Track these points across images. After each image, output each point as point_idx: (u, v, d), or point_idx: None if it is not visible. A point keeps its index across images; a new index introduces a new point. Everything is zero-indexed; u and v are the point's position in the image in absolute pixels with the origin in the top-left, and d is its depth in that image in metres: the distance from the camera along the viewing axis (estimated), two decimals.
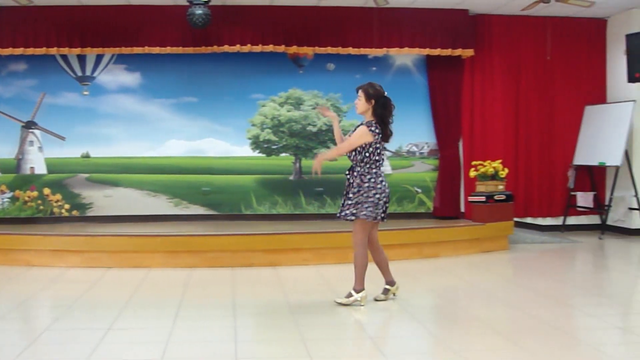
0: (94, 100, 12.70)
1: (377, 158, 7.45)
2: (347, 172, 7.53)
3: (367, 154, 7.43)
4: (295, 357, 5.79)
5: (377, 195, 7.40)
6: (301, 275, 9.36)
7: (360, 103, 7.54)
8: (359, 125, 7.52)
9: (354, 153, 7.45)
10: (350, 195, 7.43)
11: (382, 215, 7.50)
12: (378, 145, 7.44)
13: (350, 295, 7.53)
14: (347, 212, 7.44)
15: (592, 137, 13.01)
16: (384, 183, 7.47)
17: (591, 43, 13.42)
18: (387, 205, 7.52)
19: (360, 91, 7.55)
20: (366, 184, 7.40)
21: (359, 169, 7.44)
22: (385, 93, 7.55)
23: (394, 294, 7.83)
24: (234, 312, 7.34)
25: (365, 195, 7.39)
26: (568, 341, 6.30)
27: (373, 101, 7.50)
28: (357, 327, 6.81)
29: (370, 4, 11.40)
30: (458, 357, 5.72)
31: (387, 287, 7.82)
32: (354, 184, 7.42)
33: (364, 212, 7.37)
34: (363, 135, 7.40)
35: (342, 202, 7.51)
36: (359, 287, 7.54)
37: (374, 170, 7.45)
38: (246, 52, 12.15)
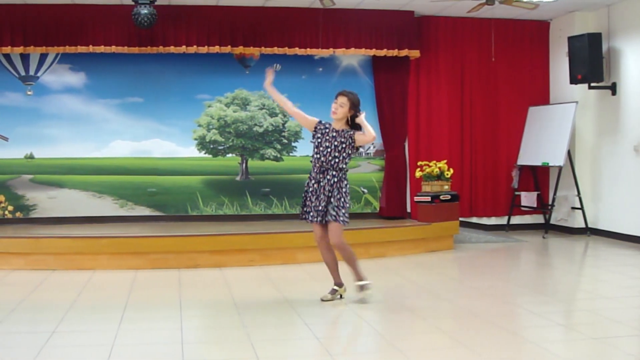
0: (37, 100, 12.53)
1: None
2: (315, 175, 7.58)
3: (349, 160, 7.64)
4: (242, 358, 5.79)
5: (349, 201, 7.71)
6: (247, 276, 9.35)
7: (344, 110, 7.58)
8: (349, 135, 7.59)
9: (344, 156, 7.56)
10: (332, 200, 7.52)
11: None
12: None
13: (361, 288, 7.69)
14: (341, 215, 7.57)
15: (535, 137, 13.18)
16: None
17: (534, 45, 13.60)
18: None
19: (345, 99, 7.57)
20: (344, 190, 7.59)
21: (335, 172, 7.54)
22: None
23: (341, 295, 7.86)
24: (180, 313, 7.31)
25: (345, 200, 7.59)
26: (512, 339, 6.38)
27: (352, 112, 7.58)
28: (304, 328, 6.82)
29: (317, 4, 11.42)
30: (404, 356, 5.76)
31: (336, 287, 7.85)
32: (335, 188, 7.51)
33: (346, 219, 7.64)
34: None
35: (319, 205, 7.54)
36: (359, 277, 7.72)
37: (347, 177, 7.69)
38: (192, 53, 12.10)
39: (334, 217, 7.52)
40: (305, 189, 7.69)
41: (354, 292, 7.81)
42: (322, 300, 7.77)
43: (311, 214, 7.61)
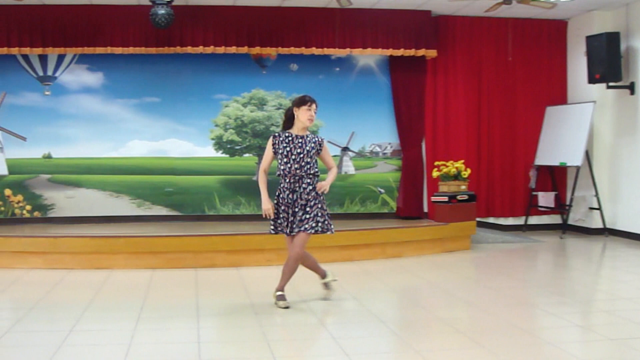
0: (55, 101, 12.60)
1: None
2: (289, 185, 7.43)
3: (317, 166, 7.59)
4: (259, 358, 5.79)
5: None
6: (264, 276, 9.34)
7: (314, 116, 7.58)
8: (317, 141, 7.56)
9: (315, 161, 7.49)
10: (307, 209, 7.39)
11: None
12: None
13: (279, 298, 7.55)
14: (327, 224, 7.49)
15: (553, 137, 13.13)
16: None
17: (552, 44, 13.55)
18: None
19: (315, 106, 7.51)
20: (321, 197, 7.49)
21: (309, 180, 7.43)
22: None
23: (333, 280, 7.86)
24: (197, 313, 7.33)
25: (324, 208, 7.51)
26: (529, 340, 6.36)
27: None
28: (321, 327, 6.83)
29: (334, 4, 11.42)
30: (420, 357, 5.75)
31: (325, 281, 7.83)
32: (312, 195, 7.41)
33: (332, 226, 7.56)
34: None
35: (305, 214, 7.39)
36: (281, 287, 7.58)
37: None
38: (209, 53, 12.12)
39: (303, 228, 7.38)
40: (277, 201, 7.52)
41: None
42: (326, 299, 7.77)
43: (286, 226, 7.47)
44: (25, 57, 12.33)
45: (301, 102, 7.48)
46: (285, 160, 7.44)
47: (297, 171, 7.41)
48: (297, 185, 7.43)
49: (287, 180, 7.44)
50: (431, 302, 8.02)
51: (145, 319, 7.08)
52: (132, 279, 9.19)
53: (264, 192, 7.53)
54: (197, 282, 9.02)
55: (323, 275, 7.86)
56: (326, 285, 7.87)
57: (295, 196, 7.42)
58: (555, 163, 12.99)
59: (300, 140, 7.48)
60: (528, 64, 13.41)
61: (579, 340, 6.47)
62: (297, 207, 7.41)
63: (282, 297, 7.51)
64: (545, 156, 13.25)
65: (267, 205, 7.46)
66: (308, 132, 7.58)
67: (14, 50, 11.73)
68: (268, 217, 7.51)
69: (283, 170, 7.45)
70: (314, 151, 7.49)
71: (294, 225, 7.41)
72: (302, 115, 7.47)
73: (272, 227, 7.59)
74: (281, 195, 7.48)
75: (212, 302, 8.00)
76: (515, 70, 13.34)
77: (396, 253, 10.85)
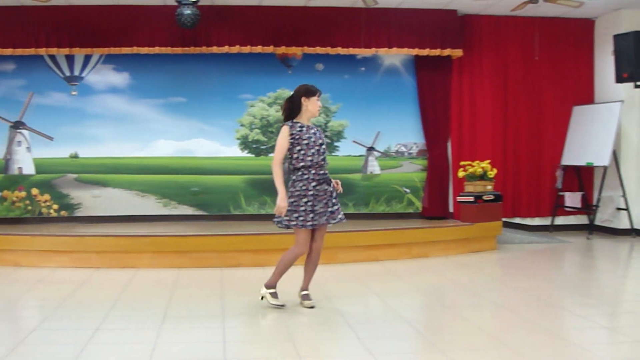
0: (82, 100, 12.68)
1: None
2: (315, 176, 7.22)
3: None
4: (284, 357, 5.80)
5: None
6: (289, 275, 9.29)
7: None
8: (318, 131, 7.44)
9: (325, 156, 7.37)
10: (333, 200, 7.34)
11: None
12: None
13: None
14: (341, 214, 7.44)
15: (580, 137, 13.05)
16: None
17: (579, 43, 13.46)
18: None
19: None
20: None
21: (326, 170, 7.36)
22: None
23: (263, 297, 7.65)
24: (222, 312, 7.34)
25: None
26: (555, 341, 6.32)
27: None
28: (346, 327, 6.81)
29: (359, 4, 11.42)
30: (445, 357, 5.73)
31: (266, 291, 7.63)
32: (332, 187, 7.35)
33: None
34: None
35: (334, 206, 7.32)
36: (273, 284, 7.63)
37: None
38: (235, 53, 12.15)
39: (337, 219, 7.34)
40: (299, 193, 7.20)
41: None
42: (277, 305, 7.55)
43: (313, 218, 7.22)
44: (52, 57, 12.44)
45: (311, 92, 7.32)
46: (312, 151, 7.20)
47: (322, 162, 7.28)
48: (323, 176, 7.26)
49: (313, 172, 7.21)
50: (457, 303, 7.99)
51: (171, 318, 7.10)
52: (157, 278, 9.22)
53: (281, 188, 7.14)
54: (223, 281, 9.04)
55: (272, 285, 7.65)
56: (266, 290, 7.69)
57: (323, 186, 7.25)
58: (582, 163, 12.90)
59: (314, 131, 7.32)
60: (555, 63, 13.32)
61: (606, 341, 6.42)
62: (326, 198, 7.27)
63: (307, 297, 7.51)
64: (572, 156, 13.17)
65: (284, 203, 7.15)
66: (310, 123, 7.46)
67: (42, 51, 11.84)
68: (279, 216, 7.25)
69: (310, 161, 7.19)
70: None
71: (325, 217, 7.29)
72: (312, 106, 7.31)
73: (293, 222, 7.23)
74: (305, 187, 7.20)
75: (237, 301, 8.00)
76: (541, 70, 13.26)
77: (422, 253, 10.81)
